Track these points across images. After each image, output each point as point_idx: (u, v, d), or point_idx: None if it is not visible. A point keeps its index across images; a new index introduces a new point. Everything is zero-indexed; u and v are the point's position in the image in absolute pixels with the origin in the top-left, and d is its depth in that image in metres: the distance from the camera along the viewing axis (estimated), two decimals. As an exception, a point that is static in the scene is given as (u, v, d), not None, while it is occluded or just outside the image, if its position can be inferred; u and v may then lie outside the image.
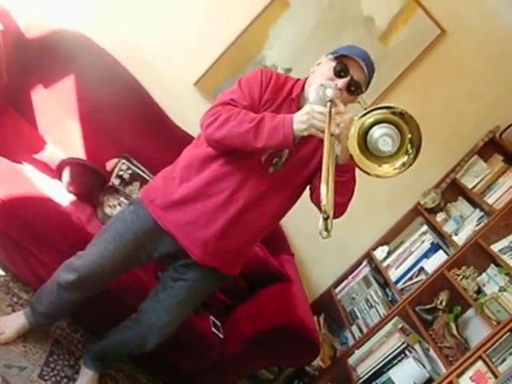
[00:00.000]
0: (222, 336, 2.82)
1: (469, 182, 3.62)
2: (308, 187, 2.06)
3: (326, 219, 1.46)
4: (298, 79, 2.04)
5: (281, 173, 1.96)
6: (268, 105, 1.95)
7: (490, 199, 3.41)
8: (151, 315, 2.20)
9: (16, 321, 2.31)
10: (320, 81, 1.88)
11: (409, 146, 1.61)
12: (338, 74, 1.89)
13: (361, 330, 3.62)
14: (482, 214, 3.48)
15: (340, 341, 3.91)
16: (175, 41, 3.34)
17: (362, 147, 1.62)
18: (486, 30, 3.45)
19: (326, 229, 1.47)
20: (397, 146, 1.60)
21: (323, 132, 1.65)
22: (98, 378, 2.45)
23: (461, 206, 3.73)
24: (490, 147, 3.66)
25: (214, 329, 2.80)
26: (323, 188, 1.48)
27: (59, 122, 3.05)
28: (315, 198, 1.97)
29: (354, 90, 1.91)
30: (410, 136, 1.59)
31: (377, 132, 1.59)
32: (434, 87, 3.58)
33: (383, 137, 1.58)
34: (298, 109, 1.83)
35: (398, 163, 1.63)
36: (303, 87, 1.99)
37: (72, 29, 3.01)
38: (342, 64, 1.89)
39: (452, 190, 3.76)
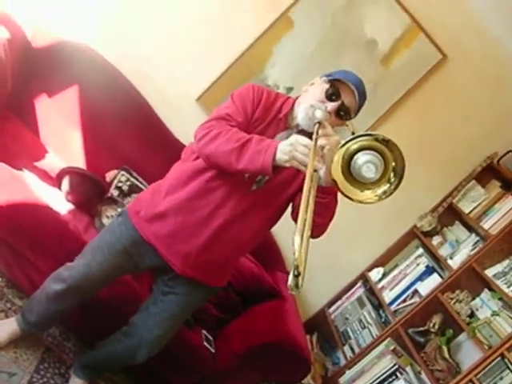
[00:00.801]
0: (213, 350, 2.81)
1: (466, 206, 3.64)
2: (290, 205, 2.05)
3: (296, 276, 1.27)
4: (289, 97, 2.05)
5: (263, 190, 1.96)
6: (258, 123, 1.96)
7: (486, 224, 3.43)
8: (142, 329, 2.20)
9: (8, 326, 2.30)
10: (311, 101, 1.89)
11: (392, 174, 1.59)
12: (330, 97, 1.90)
13: (353, 351, 3.62)
14: (477, 238, 3.50)
15: (332, 361, 3.90)
16: (179, 55, 3.39)
17: (346, 172, 1.61)
18: (486, 55, 3.49)
19: (297, 286, 1.28)
20: (380, 174, 1.58)
21: (305, 166, 1.61)
22: (87, 388, 2.44)
23: (457, 231, 3.75)
24: (488, 173, 3.68)
25: (205, 343, 2.79)
26: (297, 239, 1.32)
27: (61, 131, 3.08)
28: (296, 216, 1.94)
29: (343, 114, 1.92)
30: (393, 164, 1.58)
31: (361, 158, 1.58)
32: (434, 111, 3.60)
33: (367, 163, 1.57)
34: (286, 128, 1.84)
35: (380, 191, 1.61)
36: (293, 106, 1.99)
37: (77, 40, 3.05)
38: (335, 88, 1.90)
39: (449, 214, 3.77)
